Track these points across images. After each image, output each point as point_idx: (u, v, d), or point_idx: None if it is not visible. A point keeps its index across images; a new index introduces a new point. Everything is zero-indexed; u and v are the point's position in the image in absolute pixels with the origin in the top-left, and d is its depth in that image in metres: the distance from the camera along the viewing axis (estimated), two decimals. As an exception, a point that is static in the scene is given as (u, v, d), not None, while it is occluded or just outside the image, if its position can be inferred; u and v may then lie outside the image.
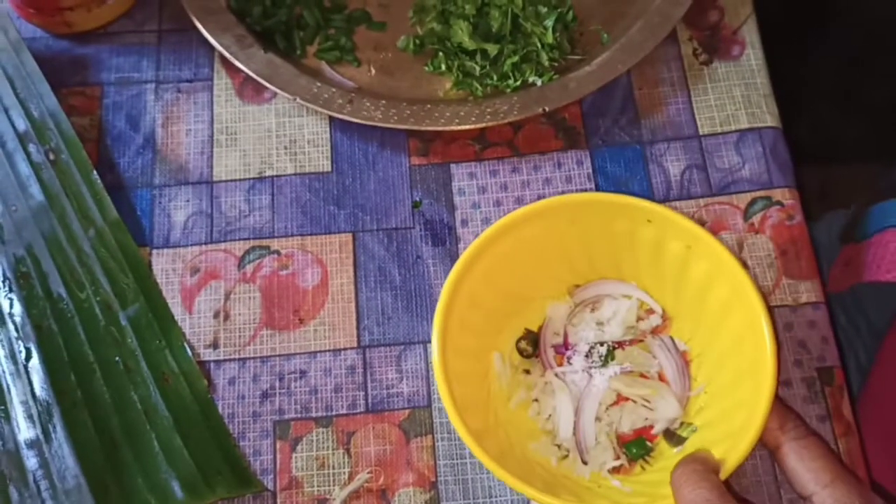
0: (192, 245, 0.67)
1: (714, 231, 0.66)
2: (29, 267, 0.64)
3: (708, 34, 0.74)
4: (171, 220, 0.68)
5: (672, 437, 0.58)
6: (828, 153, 0.70)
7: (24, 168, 0.67)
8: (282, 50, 0.72)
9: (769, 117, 0.70)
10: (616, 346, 0.60)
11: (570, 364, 0.60)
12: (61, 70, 0.73)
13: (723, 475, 0.49)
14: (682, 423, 0.58)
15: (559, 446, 0.59)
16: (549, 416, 0.59)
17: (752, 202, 0.67)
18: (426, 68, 0.73)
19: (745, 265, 0.64)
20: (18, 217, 0.66)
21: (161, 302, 0.65)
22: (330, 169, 0.70)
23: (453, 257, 0.66)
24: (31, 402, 0.60)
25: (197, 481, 0.58)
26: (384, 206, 0.68)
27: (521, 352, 0.61)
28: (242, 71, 0.69)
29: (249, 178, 0.69)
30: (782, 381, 0.61)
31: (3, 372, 0.61)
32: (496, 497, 0.59)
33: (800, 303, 0.63)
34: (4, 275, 0.64)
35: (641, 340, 0.61)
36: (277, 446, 0.61)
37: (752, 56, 0.73)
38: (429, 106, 0.68)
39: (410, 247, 0.67)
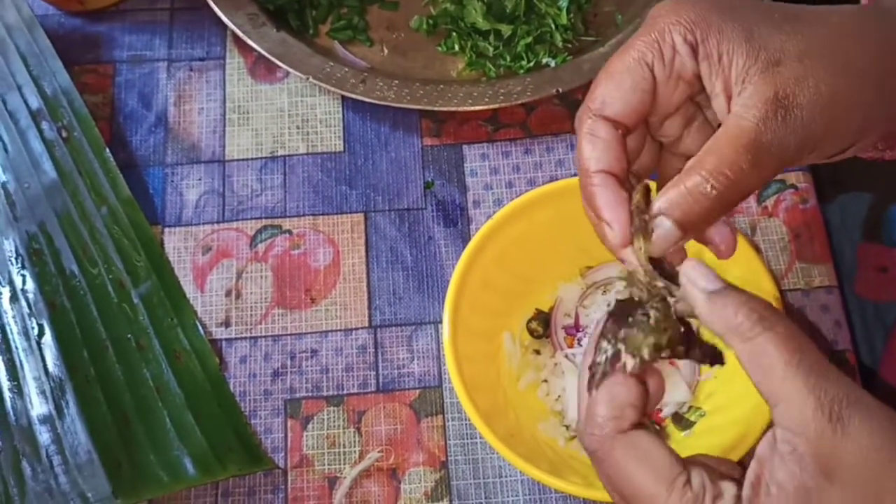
0: (204, 224, 0.67)
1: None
2: (42, 244, 0.64)
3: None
4: (183, 199, 0.68)
5: (680, 420, 0.58)
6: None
7: (36, 145, 0.67)
8: (294, 29, 0.72)
9: (784, 100, 0.69)
10: (627, 328, 0.60)
11: (581, 346, 0.60)
12: (74, 48, 0.73)
13: (736, 457, 0.50)
14: (690, 408, 0.58)
15: (567, 427, 0.59)
16: (559, 397, 0.60)
17: (766, 185, 0.67)
18: (439, 48, 0.73)
19: (757, 249, 0.63)
20: (31, 194, 0.66)
21: (173, 280, 0.65)
22: (342, 149, 0.70)
23: (465, 238, 0.66)
24: (43, 379, 0.60)
25: (209, 458, 0.58)
26: (396, 186, 0.68)
27: (531, 332, 0.61)
28: (255, 50, 0.68)
29: (261, 158, 0.69)
30: (793, 365, 0.61)
31: (17, 348, 0.61)
32: (506, 476, 0.59)
33: (812, 286, 0.63)
34: (17, 251, 0.64)
35: (653, 323, 0.60)
36: (288, 425, 0.61)
37: (768, 38, 0.72)
38: (442, 86, 0.68)
39: (422, 227, 0.67)
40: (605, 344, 0.38)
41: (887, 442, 0.34)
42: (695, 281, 0.38)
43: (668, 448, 0.36)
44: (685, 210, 0.38)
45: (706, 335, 0.39)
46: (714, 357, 0.39)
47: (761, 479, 0.34)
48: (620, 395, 0.37)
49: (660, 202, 0.38)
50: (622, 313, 0.39)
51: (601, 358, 0.38)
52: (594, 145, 0.40)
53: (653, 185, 0.42)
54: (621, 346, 0.38)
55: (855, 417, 0.34)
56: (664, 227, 0.38)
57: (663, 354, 0.38)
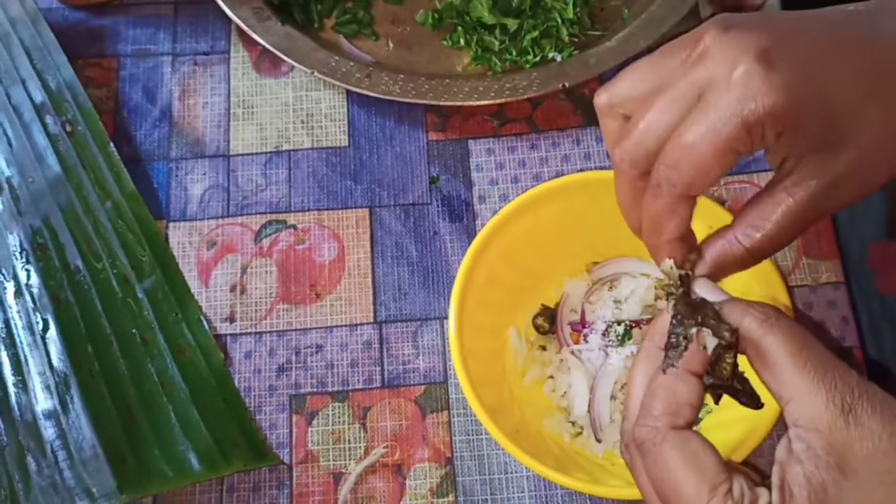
0: (208, 218, 0.67)
1: (734, 209, 0.65)
2: (46, 238, 0.64)
3: (730, 10, 0.73)
4: (187, 194, 0.68)
5: (688, 416, 0.57)
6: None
7: (40, 139, 0.67)
8: (299, 23, 0.72)
9: (791, 95, 0.69)
10: (633, 324, 0.60)
11: (587, 342, 0.60)
12: (78, 41, 0.73)
13: (742, 456, 0.49)
14: (698, 403, 0.58)
15: (573, 423, 0.59)
16: (564, 393, 0.60)
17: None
18: (445, 43, 0.72)
19: (764, 245, 0.63)
20: (35, 188, 0.66)
21: (177, 275, 0.65)
22: (347, 143, 0.69)
23: (470, 233, 0.66)
24: (48, 373, 0.60)
25: (213, 453, 0.58)
26: (401, 181, 0.68)
27: (537, 328, 0.61)
28: (259, 44, 0.68)
29: (266, 152, 0.69)
30: (800, 362, 0.61)
31: (21, 343, 0.61)
32: (511, 473, 0.59)
33: (819, 283, 0.63)
34: (21, 246, 0.64)
35: (659, 319, 0.60)
36: (293, 420, 0.61)
37: (775, 33, 0.71)
38: (447, 81, 0.68)
39: (427, 222, 0.66)
40: (679, 330, 0.39)
41: None
42: (703, 296, 0.40)
43: (717, 454, 0.37)
44: (730, 270, 0.41)
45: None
46: (755, 401, 0.40)
47: (784, 483, 0.35)
48: (681, 392, 0.38)
49: (707, 267, 0.41)
50: (690, 309, 0.40)
51: (677, 341, 0.39)
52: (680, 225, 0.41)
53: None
54: (704, 330, 0.38)
55: (866, 407, 0.34)
56: (706, 286, 0.41)
57: (725, 371, 0.39)
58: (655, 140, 0.39)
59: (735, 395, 0.40)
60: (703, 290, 0.40)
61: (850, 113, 0.38)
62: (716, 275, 0.41)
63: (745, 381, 0.40)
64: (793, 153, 0.39)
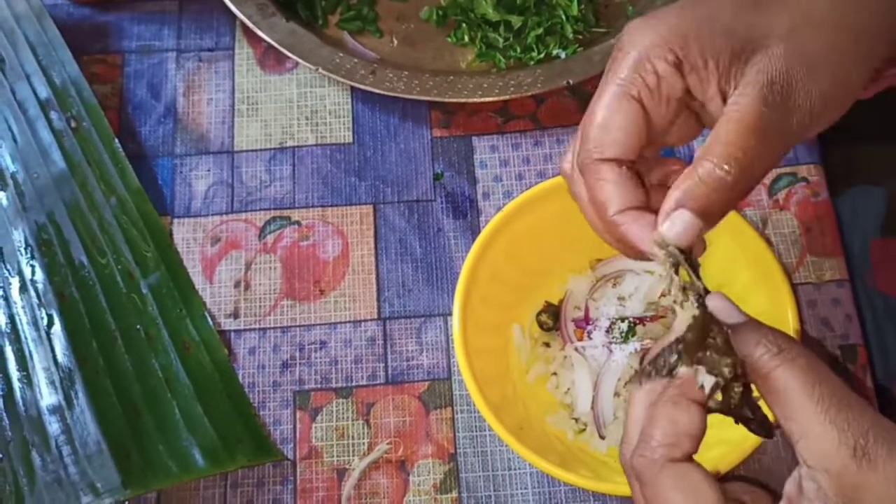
0: (212, 215, 0.67)
1: (738, 207, 0.65)
2: (51, 234, 0.64)
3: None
4: (192, 190, 0.68)
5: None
6: (853, 130, 0.68)
7: (45, 135, 0.67)
8: (304, 19, 0.72)
9: (796, 93, 0.69)
10: (637, 321, 0.60)
11: (591, 339, 0.60)
12: (82, 37, 0.73)
13: (744, 454, 0.49)
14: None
15: (577, 420, 0.59)
16: (568, 390, 0.60)
17: (777, 178, 0.66)
18: (449, 39, 0.72)
19: (769, 242, 0.63)
20: (40, 184, 0.66)
21: (182, 271, 0.65)
22: (351, 140, 0.69)
23: (474, 230, 0.66)
24: (53, 369, 0.60)
25: (217, 449, 0.58)
26: (405, 177, 0.68)
27: (541, 325, 0.61)
28: (264, 40, 0.68)
29: (270, 149, 0.69)
30: (804, 359, 0.61)
31: (26, 338, 0.61)
32: (515, 469, 0.59)
33: (824, 280, 0.63)
34: (26, 242, 0.64)
35: (663, 317, 0.60)
36: (297, 416, 0.61)
37: (780, 30, 0.71)
38: (451, 78, 0.68)
39: (431, 219, 0.66)
40: (666, 353, 0.37)
41: None
42: (717, 315, 0.38)
43: (718, 486, 0.35)
44: (703, 198, 0.38)
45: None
46: (767, 430, 0.38)
47: None
48: (681, 421, 0.36)
49: (676, 194, 0.38)
50: (695, 341, 0.38)
51: (657, 367, 0.37)
52: (603, 189, 0.40)
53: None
54: (700, 368, 0.37)
55: (881, 451, 0.33)
56: (684, 219, 0.38)
57: (733, 399, 0.37)
58: None
59: (746, 422, 0.38)
60: (717, 308, 0.38)
61: (752, 16, 0.38)
62: (704, 215, 0.38)
63: (758, 408, 0.38)
64: (721, 75, 0.38)
